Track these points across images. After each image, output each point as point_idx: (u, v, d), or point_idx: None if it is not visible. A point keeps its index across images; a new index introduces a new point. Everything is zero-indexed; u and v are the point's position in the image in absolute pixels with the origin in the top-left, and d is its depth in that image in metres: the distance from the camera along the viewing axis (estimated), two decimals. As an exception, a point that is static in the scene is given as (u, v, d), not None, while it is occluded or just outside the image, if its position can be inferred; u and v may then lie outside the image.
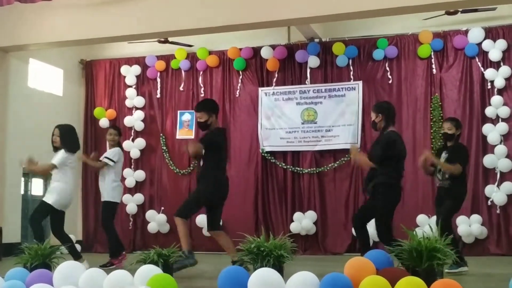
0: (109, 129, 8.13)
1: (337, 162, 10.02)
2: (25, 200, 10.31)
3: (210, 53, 10.85)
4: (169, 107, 11.06)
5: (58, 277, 4.14)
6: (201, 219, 10.38)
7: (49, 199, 6.90)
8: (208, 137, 6.36)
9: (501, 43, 9.41)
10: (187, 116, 10.74)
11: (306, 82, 10.29)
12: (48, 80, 10.90)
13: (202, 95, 10.83)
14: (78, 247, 10.66)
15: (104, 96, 11.45)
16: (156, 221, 10.69)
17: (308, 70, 10.28)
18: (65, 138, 7.06)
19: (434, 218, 8.52)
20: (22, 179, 10.21)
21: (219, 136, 6.45)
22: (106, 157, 7.68)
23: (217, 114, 6.47)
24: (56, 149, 7.07)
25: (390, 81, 9.96)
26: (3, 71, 9.78)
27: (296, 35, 10.36)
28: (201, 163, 6.35)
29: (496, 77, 9.38)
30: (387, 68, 9.98)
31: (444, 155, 6.66)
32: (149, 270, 4.10)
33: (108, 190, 7.62)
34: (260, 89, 10.52)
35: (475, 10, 9.06)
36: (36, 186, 10.75)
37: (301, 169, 10.18)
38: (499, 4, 8.58)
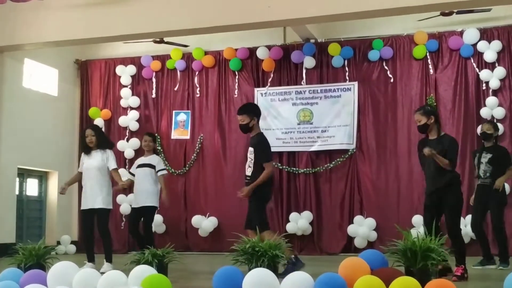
0: (144, 136, 7.82)
1: (333, 163, 10.02)
2: (20, 201, 10.27)
3: (206, 53, 10.83)
4: (164, 107, 11.04)
5: (52, 278, 4.14)
6: (197, 220, 10.39)
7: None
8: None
9: (496, 44, 9.43)
10: (182, 116, 10.72)
11: (302, 83, 10.29)
12: (43, 80, 10.86)
13: (198, 95, 10.82)
14: (73, 247, 10.69)
15: (99, 96, 11.42)
16: (151, 221, 10.63)
17: (304, 71, 10.28)
18: (101, 136, 6.96)
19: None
20: (17, 179, 10.17)
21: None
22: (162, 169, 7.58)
23: (258, 118, 6.35)
24: (89, 149, 6.84)
25: (385, 82, 9.97)
26: (-2, 71, 9.77)
27: (291, 36, 10.35)
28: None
29: (491, 78, 9.39)
30: (383, 69, 10.00)
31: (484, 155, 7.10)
32: (144, 271, 4.09)
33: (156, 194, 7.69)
34: (256, 89, 10.51)
35: (470, 11, 9.07)
36: (31, 187, 10.72)
37: (297, 169, 10.17)
38: (494, 5, 8.60)
